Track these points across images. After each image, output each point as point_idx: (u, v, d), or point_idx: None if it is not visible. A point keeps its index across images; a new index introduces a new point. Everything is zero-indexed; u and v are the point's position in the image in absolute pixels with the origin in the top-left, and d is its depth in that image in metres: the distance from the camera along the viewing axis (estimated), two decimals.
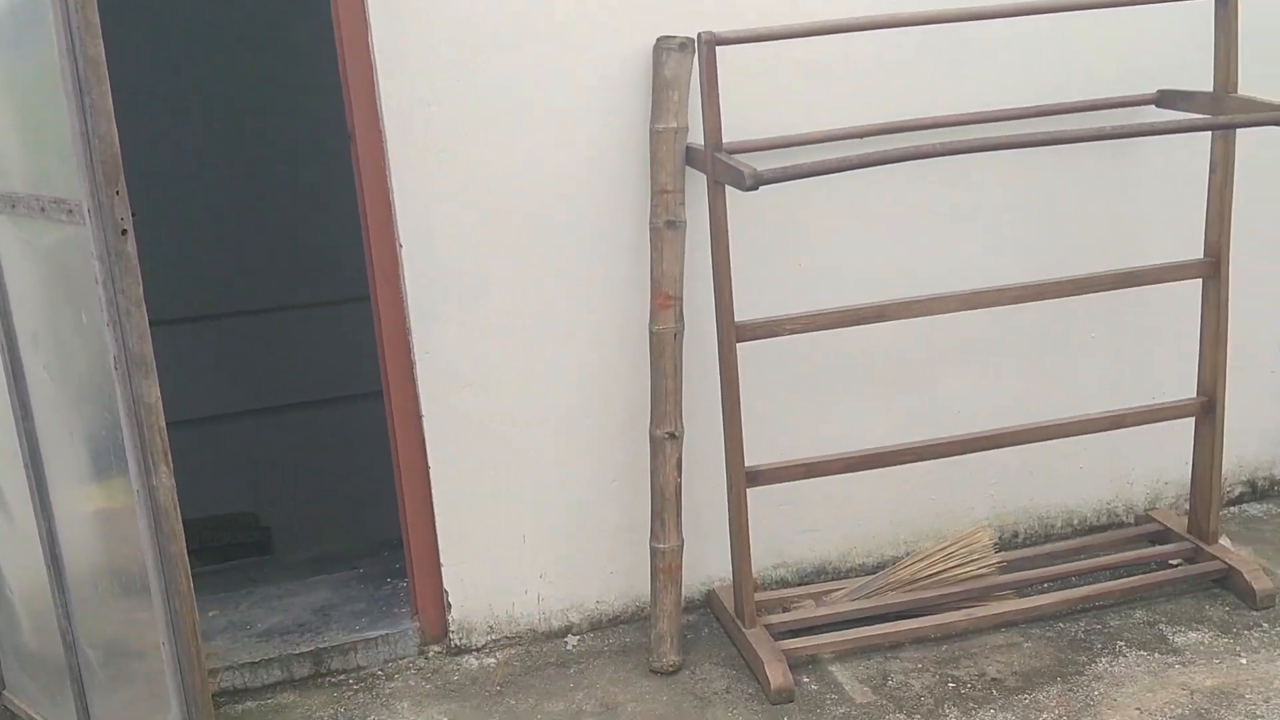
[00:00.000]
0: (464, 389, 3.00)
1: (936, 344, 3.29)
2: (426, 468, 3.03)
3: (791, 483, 3.06)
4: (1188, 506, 3.35)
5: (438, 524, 3.06)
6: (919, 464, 3.16)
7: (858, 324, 2.98)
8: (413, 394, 3.01)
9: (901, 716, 2.77)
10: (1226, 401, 3.19)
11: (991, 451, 3.19)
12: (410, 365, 3.00)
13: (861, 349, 3.21)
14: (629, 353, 3.07)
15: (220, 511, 5.65)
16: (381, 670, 3.08)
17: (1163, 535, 3.37)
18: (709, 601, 3.28)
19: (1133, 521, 3.52)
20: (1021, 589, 3.20)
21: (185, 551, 2.20)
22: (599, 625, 3.22)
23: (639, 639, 3.14)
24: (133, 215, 2.10)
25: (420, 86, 2.84)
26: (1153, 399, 3.35)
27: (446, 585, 3.10)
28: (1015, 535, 3.49)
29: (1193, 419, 3.22)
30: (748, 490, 2.97)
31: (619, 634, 3.20)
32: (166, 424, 2.11)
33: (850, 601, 3.14)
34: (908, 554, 3.29)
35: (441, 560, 3.08)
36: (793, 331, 2.95)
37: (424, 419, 3.01)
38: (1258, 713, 2.68)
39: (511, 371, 3.03)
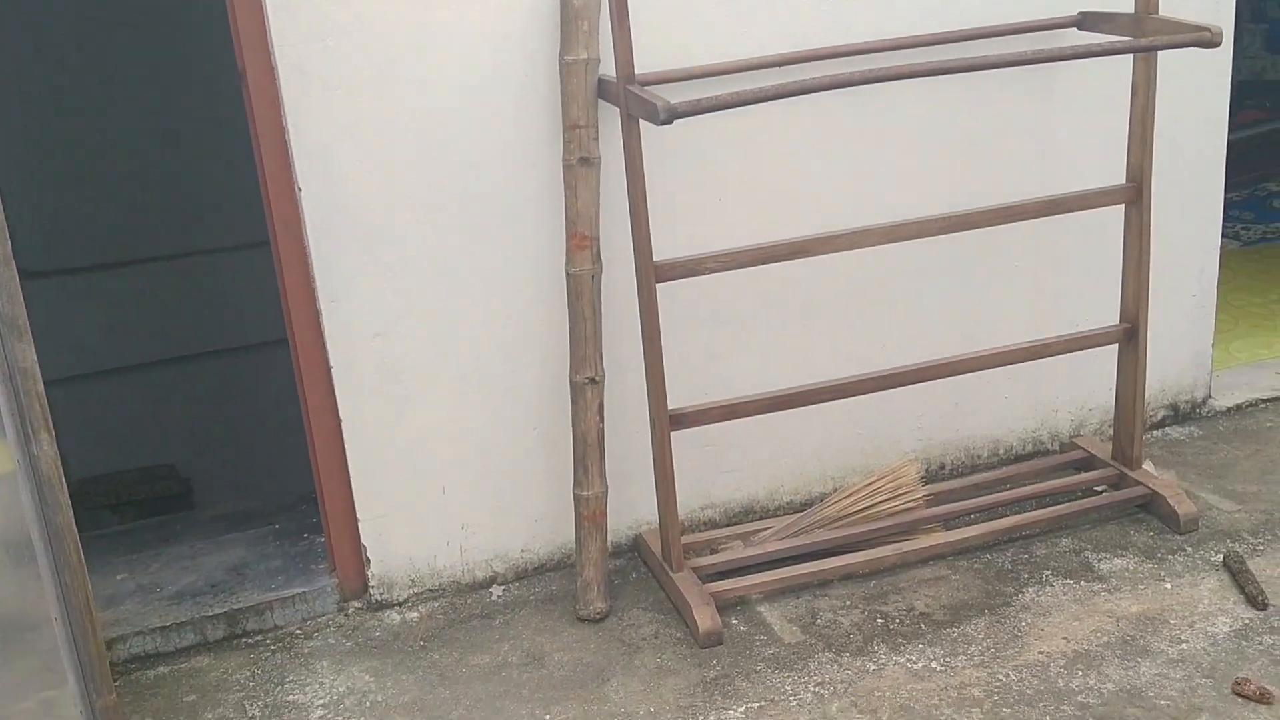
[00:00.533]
0: (374, 338, 2.88)
1: (859, 278, 3.22)
2: (338, 420, 2.92)
3: (716, 424, 3.00)
4: (1111, 432, 3.35)
5: (352, 478, 2.96)
6: (845, 399, 3.11)
7: (778, 260, 2.90)
8: (320, 344, 2.88)
9: (830, 655, 2.75)
10: (1149, 327, 3.18)
11: (917, 384, 3.15)
12: (316, 314, 2.87)
13: (784, 286, 3.14)
14: (546, 296, 2.97)
15: (141, 464, 5.50)
16: (300, 629, 2.99)
17: (1087, 462, 3.37)
18: (636, 546, 3.23)
19: (1058, 449, 3.52)
20: (949, 521, 3.19)
21: (73, 522, 2.08)
22: (524, 575, 3.16)
23: (566, 587, 3.08)
24: None
25: (314, 21, 2.67)
26: (1076, 326, 3.33)
27: (364, 540, 3.00)
28: (942, 467, 3.47)
29: (1116, 345, 3.21)
30: (672, 433, 2.90)
31: (545, 583, 3.13)
32: (78, 375, 1.95)
33: (778, 541, 3.11)
34: (835, 490, 3.26)
35: (358, 514, 2.98)
36: (713, 270, 2.86)
37: (333, 370, 2.89)
38: (1182, 637, 2.70)
39: (423, 318, 2.91)
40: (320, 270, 2.83)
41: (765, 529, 3.18)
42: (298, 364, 2.93)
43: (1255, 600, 2.78)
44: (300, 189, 2.78)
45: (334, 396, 2.91)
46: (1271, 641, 2.65)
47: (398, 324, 2.89)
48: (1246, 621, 2.73)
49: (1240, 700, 2.48)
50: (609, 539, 3.12)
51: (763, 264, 2.89)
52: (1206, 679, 2.55)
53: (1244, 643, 2.66)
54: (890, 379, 3.05)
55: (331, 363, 2.89)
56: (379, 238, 2.83)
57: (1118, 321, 3.18)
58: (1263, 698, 2.47)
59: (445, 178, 2.84)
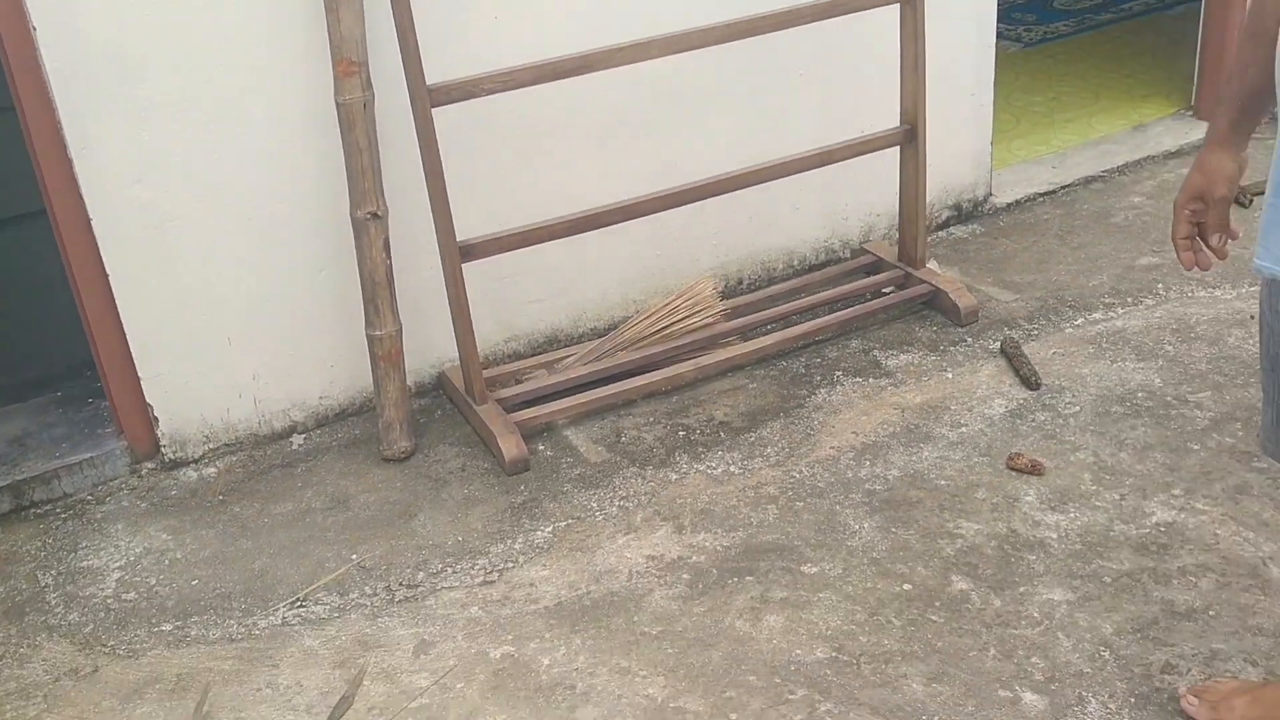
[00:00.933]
0: (133, 185, 2.71)
1: (647, 95, 3.18)
2: (105, 276, 2.76)
3: (514, 254, 2.96)
4: (898, 235, 3.45)
5: (128, 336, 2.81)
6: (642, 222, 3.11)
7: (560, 78, 2.82)
8: (76, 197, 2.69)
9: (635, 470, 2.81)
10: (930, 128, 3.24)
11: (712, 201, 3.16)
12: (68, 165, 2.67)
13: (571, 106, 3.07)
14: (319, 129, 2.82)
15: None
16: (91, 495, 2.88)
17: (876, 266, 3.47)
18: (440, 383, 3.20)
19: (849, 256, 3.61)
20: (746, 334, 3.26)
21: None
22: (325, 421, 3.10)
23: (369, 430, 3.03)
24: None
25: None
26: (863, 133, 3.37)
27: (150, 399, 2.88)
28: (740, 282, 3.52)
29: (898, 148, 3.27)
30: (463, 265, 2.85)
31: (348, 427, 3.08)
32: None
33: (582, 366, 3.12)
34: (637, 313, 3.28)
35: (140, 373, 2.85)
36: (491, 91, 2.77)
37: (93, 223, 2.71)
38: (961, 421, 2.85)
39: (186, 160, 2.74)
40: (67, 116, 2.62)
41: (569, 356, 3.18)
42: (55, 221, 2.74)
43: (1029, 381, 2.94)
44: (35, 28, 2.54)
45: (98, 252, 2.74)
46: (1043, 418, 2.82)
47: (159, 167, 2.72)
48: (1021, 402, 2.90)
49: (1014, 474, 2.65)
50: (411, 378, 3.09)
51: (543, 82, 2.80)
52: (983, 457, 2.71)
53: (1018, 421, 2.82)
54: (682, 195, 3.04)
55: (91, 216, 2.71)
56: (129, 75, 2.63)
57: (898, 125, 3.23)
58: (1034, 469, 2.64)
59: (195, 4, 2.64)
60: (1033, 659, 2.15)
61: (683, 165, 3.23)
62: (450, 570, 2.54)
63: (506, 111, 2.96)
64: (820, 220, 3.57)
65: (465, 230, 2.83)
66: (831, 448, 2.81)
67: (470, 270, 2.89)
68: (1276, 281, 1.59)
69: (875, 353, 3.16)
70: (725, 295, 3.40)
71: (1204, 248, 1.71)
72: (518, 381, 3.12)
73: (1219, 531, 2.39)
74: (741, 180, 3.09)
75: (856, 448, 2.79)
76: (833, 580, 2.39)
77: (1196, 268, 1.72)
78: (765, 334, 3.23)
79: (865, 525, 2.54)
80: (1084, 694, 2.06)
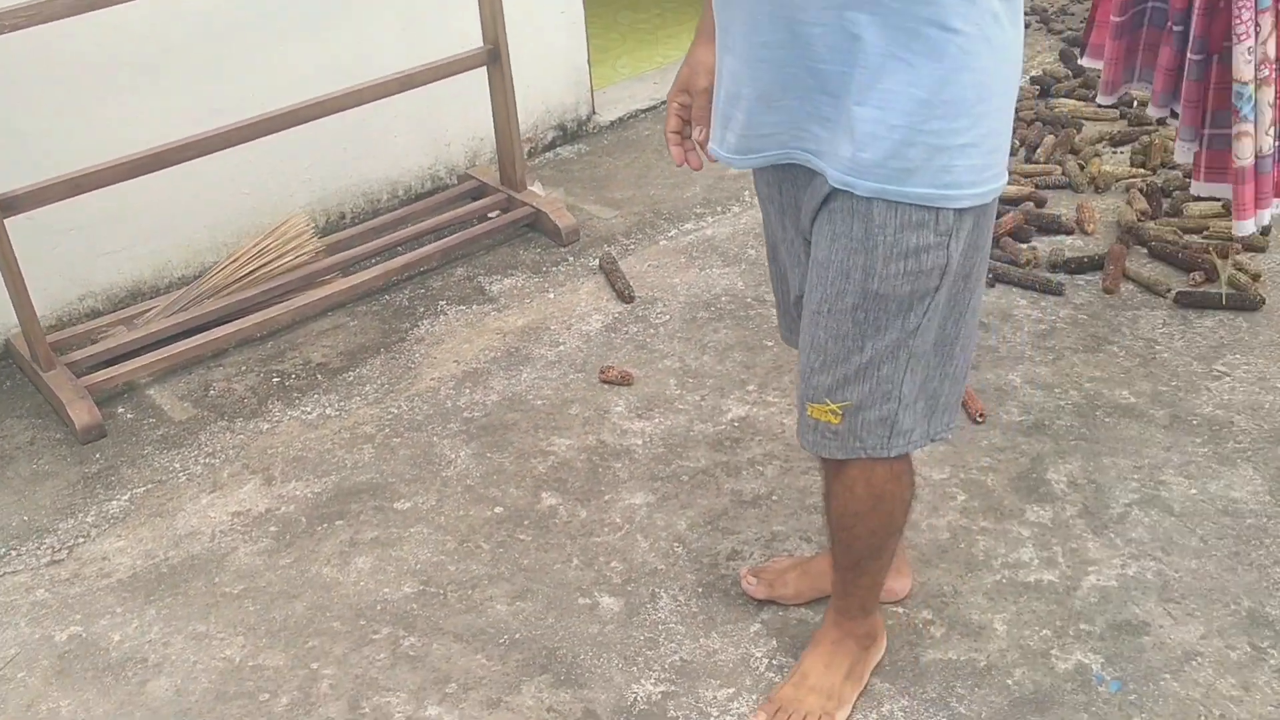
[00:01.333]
0: None
1: (215, 23, 2.97)
2: None
3: (81, 204, 2.72)
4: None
5: None
6: (226, 160, 2.93)
7: (98, 8, 2.57)
8: None
9: (224, 424, 2.66)
10: (525, 49, 3.21)
11: (303, 134, 3.02)
12: None
13: (127, 39, 2.83)
14: None
15: None
16: None
17: (481, 191, 3.43)
18: (9, 351, 2.91)
19: (455, 182, 3.56)
20: (347, 269, 3.15)
21: None
22: None
23: None
24: None
25: None
26: (450, 55, 3.30)
27: None
28: (343, 216, 3.40)
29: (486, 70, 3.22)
30: (8, 220, 2.58)
31: None
32: None
33: (164, 319, 2.92)
34: (226, 258, 3.10)
35: None
36: (16, 26, 2.49)
37: None
38: (560, 339, 2.87)
39: None
40: None
41: (152, 309, 2.97)
42: None
43: (624, 295, 3.00)
44: None
45: None
46: (635, 330, 2.89)
47: None
48: (616, 316, 2.95)
49: (606, 386, 2.70)
50: None
51: (79, 13, 2.55)
52: (579, 374, 2.75)
53: (613, 335, 2.88)
54: (251, 129, 2.87)
55: None
56: None
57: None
58: (624, 380, 2.70)
59: None
60: (612, 563, 2.21)
61: (258, 97, 3.05)
62: (14, 553, 2.33)
63: (51, 49, 2.69)
64: (423, 147, 3.48)
65: (11, 181, 2.57)
66: (432, 379, 2.76)
67: (22, 224, 2.64)
68: (756, 168, 1.63)
69: (480, 279, 3.14)
70: (326, 230, 3.28)
71: (695, 146, 1.72)
72: (93, 341, 2.89)
73: (785, 421, 2.53)
74: (318, 109, 2.95)
75: (457, 376, 2.76)
76: (425, 513, 2.37)
77: (688, 165, 1.73)
78: (367, 268, 3.14)
79: (461, 454, 2.52)
80: (657, 590, 2.14)
